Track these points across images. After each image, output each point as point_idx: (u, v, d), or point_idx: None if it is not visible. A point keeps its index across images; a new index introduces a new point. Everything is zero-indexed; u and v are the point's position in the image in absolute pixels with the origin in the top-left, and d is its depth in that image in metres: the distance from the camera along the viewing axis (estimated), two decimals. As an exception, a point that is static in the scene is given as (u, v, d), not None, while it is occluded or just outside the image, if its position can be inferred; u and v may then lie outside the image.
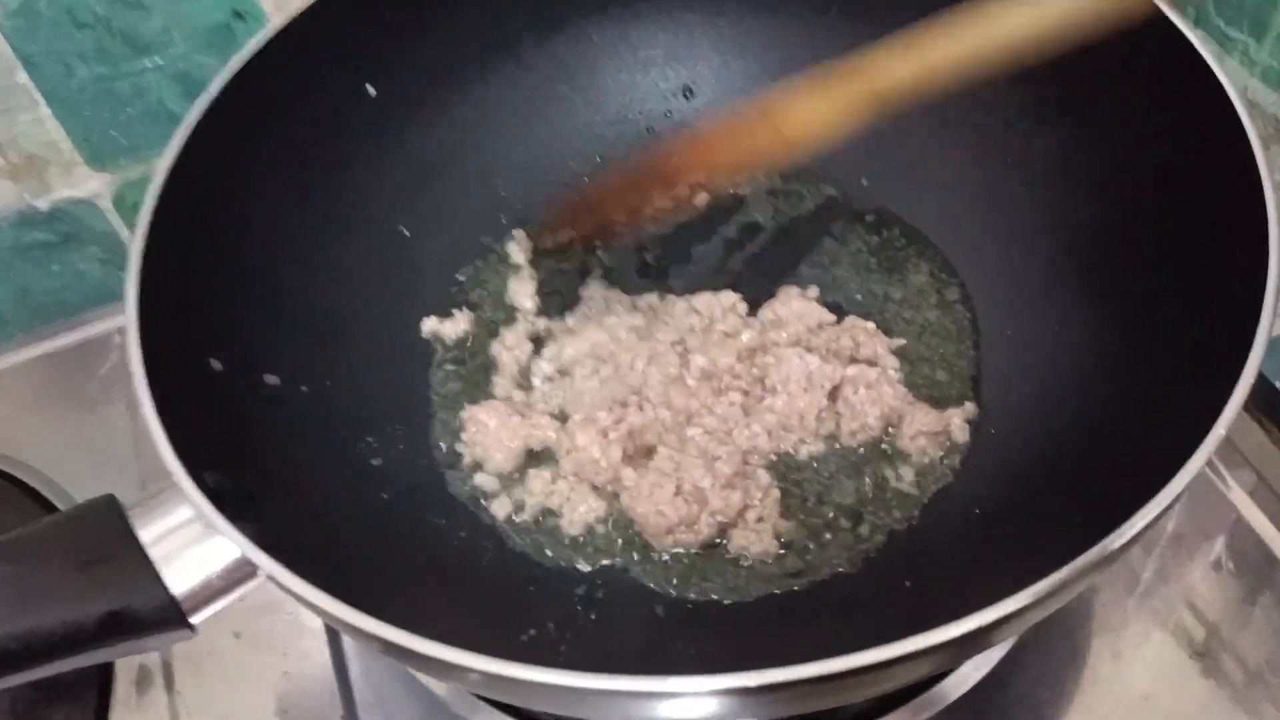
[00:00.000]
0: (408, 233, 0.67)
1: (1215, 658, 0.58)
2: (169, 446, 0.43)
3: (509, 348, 0.65)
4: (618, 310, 0.65)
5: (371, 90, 0.65)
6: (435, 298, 0.67)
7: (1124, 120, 0.57)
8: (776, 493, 0.57)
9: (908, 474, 0.58)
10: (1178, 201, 0.54)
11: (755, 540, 0.55)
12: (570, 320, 0.66)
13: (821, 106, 0.52)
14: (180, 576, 0.43)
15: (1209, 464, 0.63)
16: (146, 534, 0.43)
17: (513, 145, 0.72)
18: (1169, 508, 0.40)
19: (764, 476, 0.57)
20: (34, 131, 0.73)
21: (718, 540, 0.56)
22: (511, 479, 0.59)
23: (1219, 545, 0.63)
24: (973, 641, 0.38)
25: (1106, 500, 0.42)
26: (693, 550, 0.56)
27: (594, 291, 0.67)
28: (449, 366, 0.65)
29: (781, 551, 0.55)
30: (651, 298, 0.66)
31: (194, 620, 0.43)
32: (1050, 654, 0.58)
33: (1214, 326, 0.47)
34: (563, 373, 0.63)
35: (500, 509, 0.58)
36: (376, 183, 0.66)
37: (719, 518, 0.56)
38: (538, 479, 0.59)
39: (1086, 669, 0.58)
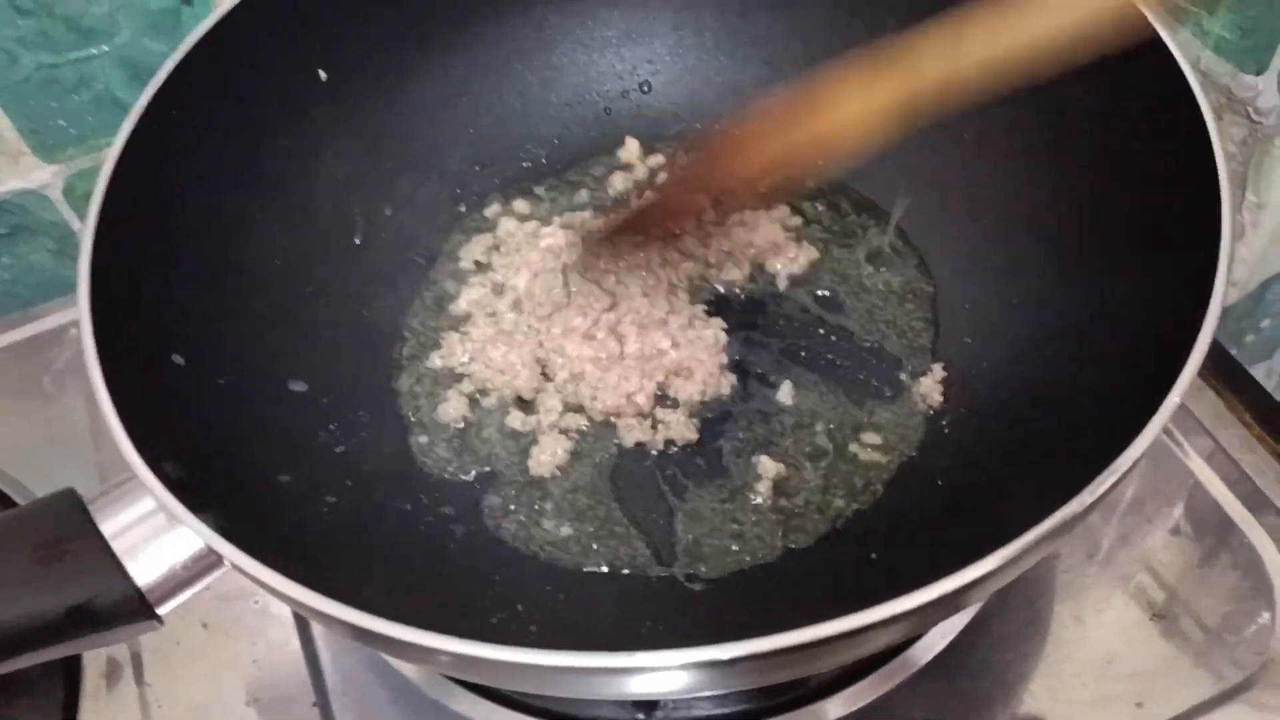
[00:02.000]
0: (360, 219, 0.67)
1: (1175, 620, 0.59)
2: (126, 438, 0.43)
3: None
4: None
5: (323, 74, 0.65)
6: (391, 283, 0.67)
7: (1077, 93, 0.58)
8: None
9: (873, 439, 0.58)
10: (1132, 172, 0.55)
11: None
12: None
13: (857, 106, 0.48)
14: (144, 568, 0.43)
15: (1166, 431, 0.66)
16: (108, 527, 0.43)
17: (466, 128, 0.72)
18: (1124, 476, 0.41)
19: None
20: (-22, 122, 0.72)
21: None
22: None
23: (1177, 510, 0.64)
24: (937, 608, 0.38)
25: (1065, 469, 0.42)
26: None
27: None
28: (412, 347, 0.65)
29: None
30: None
31: (160, 611, 0.43)
32: (1013, 620, 0.59)
33: (1170, 295, 0.48)
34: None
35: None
36: (328, 169, 0.66)
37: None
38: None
39: (1050, 634, 0.59)
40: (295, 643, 0.60)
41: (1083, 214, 0.58)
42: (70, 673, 0.60)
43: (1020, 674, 0.56)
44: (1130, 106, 0.55)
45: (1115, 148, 0.56)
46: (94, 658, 0.61)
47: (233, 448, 0.51)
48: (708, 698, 0.56)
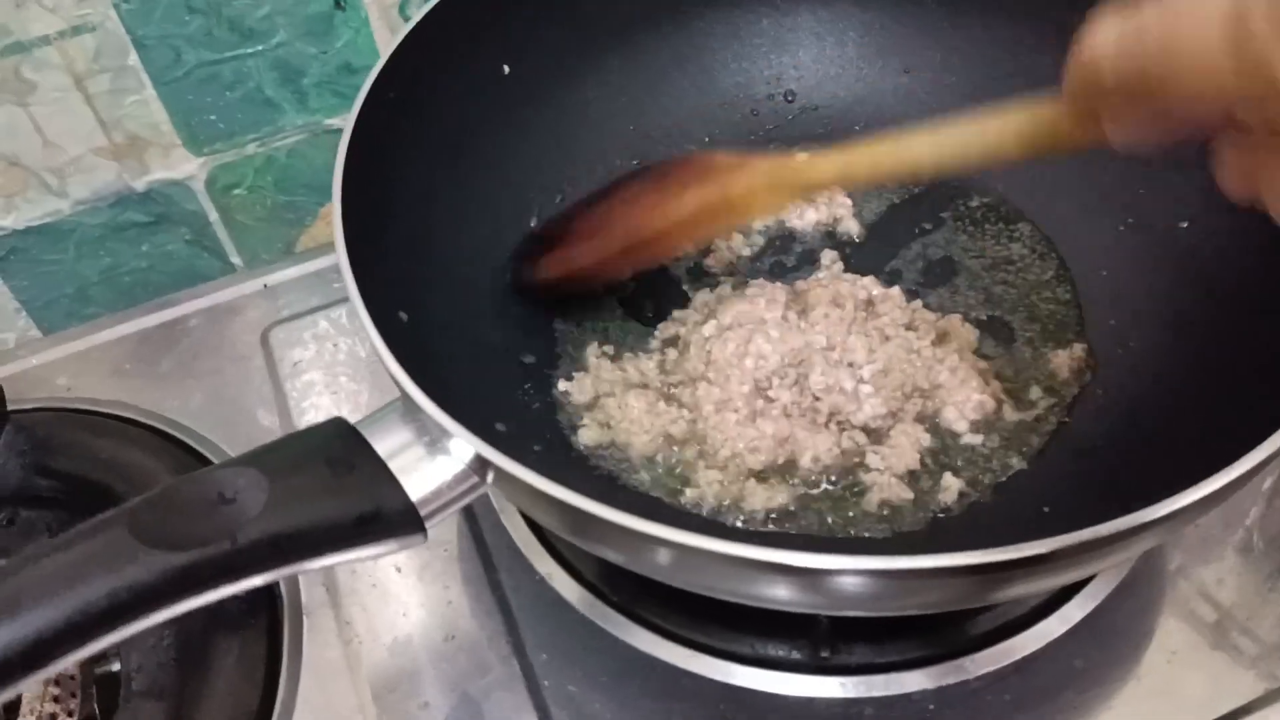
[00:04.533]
0: (536, 204, 0.72)
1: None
2: (401, 369, 0.48)
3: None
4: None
5: (506, 68, 0.71)
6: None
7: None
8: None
9: (1031, 404, 0.63)
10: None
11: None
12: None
13: (761, 188, 0.60)
14: (416, 485, 0.47)
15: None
16: (381, 448, 0.47)
17: (626, 125, 0.77)
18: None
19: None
20: (139, 113, 0.76)
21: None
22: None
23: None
24: (1103, 550, 0.42)
25: (1213, 444, 0.45)
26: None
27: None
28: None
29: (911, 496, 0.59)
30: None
31: (428, 525, 0.47)
32: (1157, 583, 0.62)
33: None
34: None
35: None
36: (508, 156, 0.71)
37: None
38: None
39: (1191, 599, 0.62)
40: (486, 586, 0.64)
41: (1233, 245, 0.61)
42: (272, 609, 0.63)
43: (1167, 632, 0.60)
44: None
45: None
46: (293, 598, 0.64)
47: (459, 395, 0.56)
48: (875, 642, 0.60)
